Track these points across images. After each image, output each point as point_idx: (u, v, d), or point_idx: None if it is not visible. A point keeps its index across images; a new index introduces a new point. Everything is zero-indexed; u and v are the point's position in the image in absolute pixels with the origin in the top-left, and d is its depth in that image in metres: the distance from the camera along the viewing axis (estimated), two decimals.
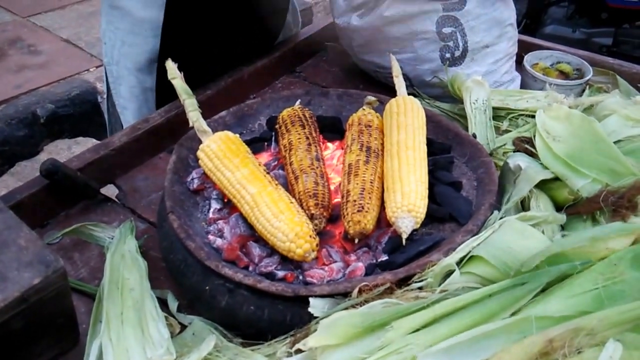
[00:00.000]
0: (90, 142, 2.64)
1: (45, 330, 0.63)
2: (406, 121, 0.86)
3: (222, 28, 1.21)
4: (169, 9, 1.11)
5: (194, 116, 0.86)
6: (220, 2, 1.17)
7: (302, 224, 0.72)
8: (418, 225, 0.75)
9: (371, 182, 0.80)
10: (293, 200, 0.77)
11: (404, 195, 0.76)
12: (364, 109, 0.94)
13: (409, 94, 0.95)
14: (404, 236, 0.73)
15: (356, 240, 0.76)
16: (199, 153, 0.83)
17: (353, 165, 0.83)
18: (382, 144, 0.88)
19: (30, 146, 2.60)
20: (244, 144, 0.85)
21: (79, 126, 2.68)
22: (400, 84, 0.94)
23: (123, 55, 1.20)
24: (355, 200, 0.77)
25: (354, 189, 0.79)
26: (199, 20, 1.17)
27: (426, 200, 0.78)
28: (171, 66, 0.88)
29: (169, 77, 0.88)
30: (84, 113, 2.69)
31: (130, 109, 1.24)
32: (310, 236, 0.71)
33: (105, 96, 1.32)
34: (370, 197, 0.78)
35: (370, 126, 0.90)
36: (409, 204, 0.75)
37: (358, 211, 0.76)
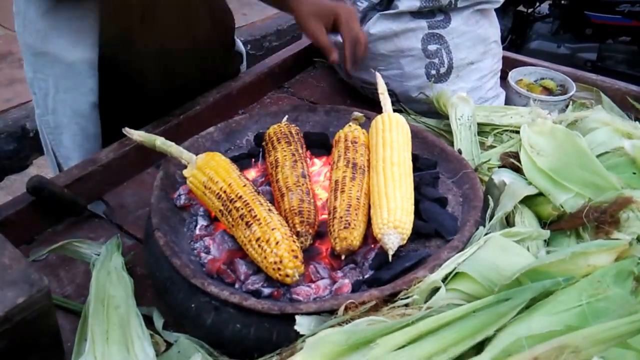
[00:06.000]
0: None
1: (30, 349, 0.62)
2: (391, 137, 0.86)
3: (165, 63, 1.15)
4: (103, 47, 1.07)
5: (176, 152, 0.86)
6: (158, 40, 1.11)
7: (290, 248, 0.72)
8: (404, 242, 0.76)
9: (357, 199, 0.81)
10: (284, 223, 0.76)
11: (389, 211, 0.76)
12: (350, 125, 0.95)
13: (395, 110, 0.96)
14: (390, 252, 0.73)
15: (343, 257, 0.76)
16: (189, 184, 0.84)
17: (339, 181, 0.83)
18: (368, 160, 0.89)
19: (19, 160, 2.59)
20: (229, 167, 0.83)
21: None
22: (385, 101, 0.95)
23: (60, 103, 1.13)
24: (341, 217, 0.78)
25: (341, 205, 0.79)
26: (137, 56, 1.11)
27: (412, 217, 0.78)
28: (130, 131, 0.87)
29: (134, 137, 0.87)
30: None
31: (74, 158, 1.15)
32: (296, 256, 0.71)
33: (45, 148, 1.24)
34: (356, 214, 0.79)
35: (356, 142, 0.90)
36: (395, 220, 0.75)
37: (344, 228, 0.76)
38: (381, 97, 0.96)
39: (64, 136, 1.16)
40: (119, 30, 1.06)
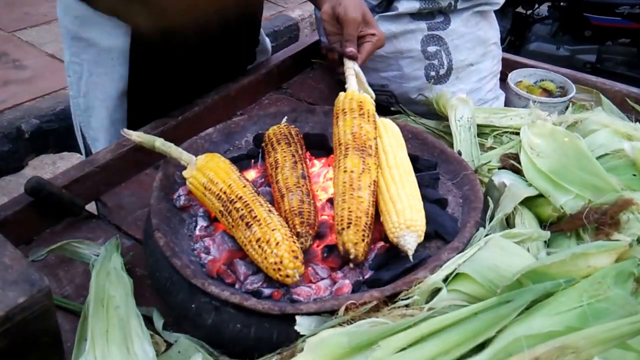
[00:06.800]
0: (75, 157, 2.63)
1: (30, 349, 0.62)
2: (383, 143, 0.87)
3: (191, 55, 1.20)
4: (135, 37, 1.10)
5: (175, 153, 0.86)
6: (188, 29, 1.15)
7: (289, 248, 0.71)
8: (421, 239, 0.75)
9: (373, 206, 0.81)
10: (284, 224, 0.76)
11: (398, 213, 0.76)
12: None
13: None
14: (410, 253, 0.72)
15: (351, 265, 0.76)
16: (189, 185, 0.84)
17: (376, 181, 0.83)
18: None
19: (14, 161, 2.58)
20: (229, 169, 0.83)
21: (63, 141, 2.66)
22: (350, 79, 0.96)
23: (92, 86, 1.18)
24: (372, 228, 0.77)
25: (372, 212, 0.79)
26: (167, 49, 1.15)
27: (422, 213, 0.77)
28: (128, 132, 0.87)
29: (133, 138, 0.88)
30: (68, 128, 2.65)
31: (101, 140, 1.22)
32: (296, 257, 0.71)
33: (76, 128, 1.30)
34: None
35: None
36: (406, 220, 0.75)
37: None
38: (347, 75, 0.97)
39: (92, 118, 1.22)
40: (150, 21, 1.10)
